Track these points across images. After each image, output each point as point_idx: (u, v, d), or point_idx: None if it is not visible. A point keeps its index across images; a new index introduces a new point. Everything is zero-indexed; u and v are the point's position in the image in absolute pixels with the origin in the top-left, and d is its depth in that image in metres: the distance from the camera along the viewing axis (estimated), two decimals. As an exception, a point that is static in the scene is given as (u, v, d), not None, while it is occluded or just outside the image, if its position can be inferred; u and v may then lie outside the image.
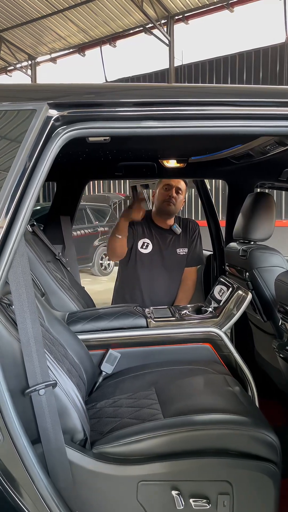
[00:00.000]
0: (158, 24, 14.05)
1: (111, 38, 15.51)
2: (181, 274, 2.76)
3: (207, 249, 3.17)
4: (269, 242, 2.23)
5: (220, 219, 3.18)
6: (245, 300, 1.97)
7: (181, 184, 2.67)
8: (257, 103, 1.23)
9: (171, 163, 2.41)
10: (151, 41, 14.78)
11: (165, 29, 14.34)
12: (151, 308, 2.20)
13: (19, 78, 17.97)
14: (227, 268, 2.55)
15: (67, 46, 16.49)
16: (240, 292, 2.01)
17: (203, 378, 1.68)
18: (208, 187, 3.20)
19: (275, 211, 2.22)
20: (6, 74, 18.52)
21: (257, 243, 2.22)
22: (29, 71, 17.91)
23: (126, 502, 1.25)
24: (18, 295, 1.13)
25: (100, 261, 9.45)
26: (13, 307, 1.16)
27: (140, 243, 2.68)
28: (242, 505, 1.26)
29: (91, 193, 14.52)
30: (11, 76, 18.60)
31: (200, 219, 8.92)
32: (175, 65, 14.59)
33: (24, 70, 17.89)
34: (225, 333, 1.96)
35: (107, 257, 9.48)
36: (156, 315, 2.08)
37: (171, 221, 2.73)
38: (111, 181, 14.62)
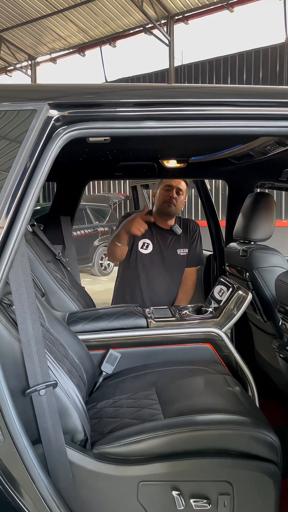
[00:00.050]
0: (158, 24, 14.04)
1: (111, 38, 15.51)
2: (181, 275, 2.76)
3: (207, 249, 3.18)
4: (269, 242, 2.24)
5: (220, 219, 3.18)
6: (246, 300, 1.97)
7: (182, 184, 2.67)
8: (257, 104, 1.23)
9: (171, 163, 2.41)
10: (151, 41, 14.78)
11: (165, 29, 14.34)
12: (152, 308, 2.20)
13: (19, 78, 17.97)
14: (227, 268, 2.55)
15: (67, 46, 16.49)
16: (240, 292, 2.02)
17: (203, 378, 1.68)
18: (208, 187, 3.20)
19: (275, 211, 2.22)
20: (6, 74, 18.51)
21: (257, 243, 2.22)
22: (29, 71, 17.90)
23: (126, 503, 1.25)
24: (18, 295, 1.13)
25: (100, 261, 9.45)
26: (14, 307, 1.16)
27: (140, 243, 2.68)
28: (242, 505, 1.26)
29: (91, 193, 14.52)
30: (11, 76, 18.60)
31: (200, 219, 8.92)
32: (175, 65, 14.59)
33: (24, 70, 17.89)
34: (225, 333, 1.96)
35: (107, 257, 9.50)
36: (156, 315, 2.08)
37: (171, 222, 2.73)
38: (111, 181, 14.62)
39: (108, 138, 1.25)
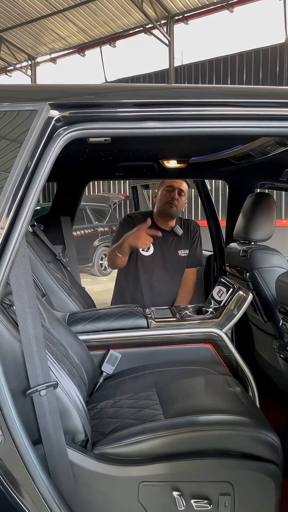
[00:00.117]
0: (158, 24, 14.04)
1: (111, 38, 15.51)
2: (182, 275, 2.76)
3: (207, 250, 3.18)
4: (269, 242, 2.23)
5: (220, 219, 3.18)
6: (246, 301, 1.98)
7: (184, 185, 2.67)
8: (257, 104, 1.23)
9: (172, 164, 2.41)
10: (151, 41, 14.77)
11: (165, 29, 14.34)
12: (152, 308, 2.20)
13: (19, 78, 17.96)
14: (228, 268, 2.55)
15: (67, 46, 16.49)
16: (240, 292, 2.02)
17: (203, 378, 1.68)
18: (208, 187, 3.20)
19: (275, 211, 2.22)
20: (6, 74, 18.51)
21: (257, 243, 2.22)
22: (29, 71, 17.90)
23: (127, 503, 1.25)
24: (19, 296, 1.13)
25: (100, 261, 9.45)
26: (14, 307, 1.16)
27: None
28: (243, 505, 1.26)
29: (91, 193, 14.52)
30: (11, 76, 18.60)
31: (200, 219, 8.91)
32: (175, 65, 14.58)
33: (24, 70, 17.88)
34: (225, 333, 1.96)
35: (107, 257, 9.49)
36: (156, 316, 2.08)
37: (172, 223, 2.73)
38: (111, 181, 14.63)
39: (108, 138, 1.25)
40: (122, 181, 13.81)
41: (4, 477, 1.13)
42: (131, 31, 15.08)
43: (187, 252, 2.75)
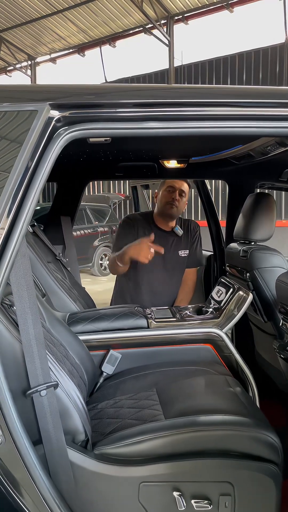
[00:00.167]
0: (158, 24, 14.04)
1: (111, 38, 15.51)
2: (182, 275, 2.76)
3: (207, 250, 3.18)
4: (269, 242, 2.23)
5: (220, 219, 3.18)
6: (246, 301, 1.97)
7: (185, 186, 2.66)
8: (258, 104, 1.23)
9: (172, 164, 2.41)
10: (150, 42, 14.77)
11: (165, 29, 14.33)
12: (152, 308, 2.20)
13: (18, 78, 17.96)
14: (228, 268, 2.55)
15: (67, 46, 16.49)
16: (241, 292, 2.02)
17: (204, 378, 1.68)
18: (208, 187, 3.20)
19: (275, 211, 2.22)
20: (5, 74, 18.51)
21: (257, 243, 2.22)
22: (28, 71, 17.90)
23: (127, 503, 1.25)
24: (19, 296, 1.13)
25: (100, 261, 9.45)
26: (15, 308, 1.16)
27: None
28: (243, 506, 1.26)
29: (91, 193, 14.52)
30: (10, 76, 18.60)
31: (200, 219, 8.89)
32: (174, 65, 14.58)
33: (23, 70, 17.89)
34: (226, 333, 1.96)
35: (107, 257, 9.50)
36: (157, 316, 2.08)
37: (173, 223, 2.73)
38: (111, 181, 14.63)
39: (108, 138, 1.25)
40: (122, 181, 13.80)
41: (4, 477, 1.13)
42: (131, 31, 15.08)
43: (187, 252, 2.75)
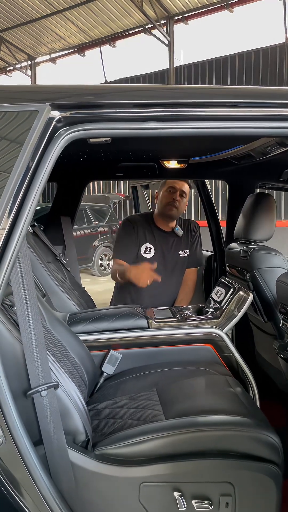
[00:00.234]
0: (158, 24, 14.04)
1: (111, 39, 15.51)
2: (182, 276, 2.76)
3: (207, 250, 3.18)
4: (269, 243, 2.23)
5: (220, 219, 3.18)
6: (246, 301, 1.97)
7: (185, 187, 2.66)
8: (258, 105, 1.23)
9: (172, 164, 2.41)
10: (150, 42, 14.77)
11: (165, 29, 14.34)
12: (153, 308, 2.20)
13: (18, 78, 17.96)
14: (228, 268, 2.55)
15: (67, 47, 16.49)
16: (241, 293, 2.02)
17: (204, 379, 1.69)
18: (208, 187, 3.20)
19: (275, 212, 2.22)
20: (5, 74, 18.52)
21: (258, 243, 2.22)
22: (28, 72, 17.90)
23: (128, 504, 1.25)
24: (20, 296, 1.13)
25: (100, 262, 9.45)
26: (15, 308, 1.16)
27: (143, 248, 2.67)
28: (244, 506, 1.26)
29: (91, 193, 14.52)
30: (10, 76, 18.60)
31: (200, 219, 8.88)
32: (174, 66, 14.59)
33: (23, 70, 17.89)
34: (226, 334, 1.96)
35: (107, 257, 9.50)
36: (157, 316, 2.08)
37: (173, 224, 2.73)
38: (111, 181, 14.63)
39: (109, 139, 1.25)
40: (122, 181, 13.80)
41: (4, 477, 1.13)
42: (131, 31, 15.09)
43: (188, 253, 2.75)
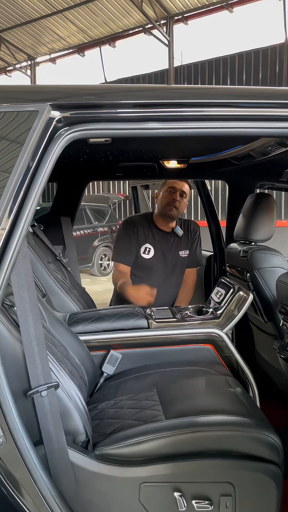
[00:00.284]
0: (158, 24, 14.04)
1: (111, 39, 15.51)
2: (182, 276, 2.76)
3: (207, 250, 3.18)
4: (269, 243, 2.24)
5: (220, 219, 3.18)
6: (247, 301, 1.97)
7: (186, 187, 2.66)
8: (258, 105, 1.23)
9: (172, 164, 2.41)
10: (150, 42, 14.77)
11: (165, 29, 14.34)
12: (153, 309, 2.20)
13: (18, 78, 17.96)
14: (228, 268, 2.55)
15: (67, 47, 16.49)
16: (241, 293, 2.02)
17: (204, 379, 1.68)
18: (208, 187, 3.20)
19: (276, 212, 2.22)
20: (5, 74, 18.52)
21: (258, 243, 2.22)
22: (28, 72, 17.90)
23: (128, 504, 1.24)
24: (20, 296, 1.13)
25: (100, 262, 9.45)
26: (15, 308, 1.16)
27: (142, 249, 2.67)
28: (244, 506, 1.26)
29: (91, 193, 14.52)
30: (10, 76, 18.60)
31: (200, 219, 8.88)
32: (174, 66, 14.59)
33: (23, 70, 17.89)
34: (226, 334, 1.96)
35: (107, 257, 9.50)
36: (157, 316, 2.08)
37: (173, 224, 2.73)
38: (111, 181, 14.63)
39: (109, 139, 1.25)
40: (122, 181, 13.81)
41: (5, 477, 1.13)
42: (130, 31, 15.09)
43: (188, 253, 2.75)
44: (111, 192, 15.07)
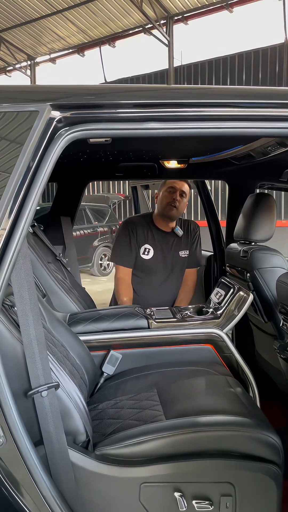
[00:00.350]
0: (158, 24, 14.04)
1: (111, 39, 15.50)
2: (182, 276, 2.76)
3: (207, 250, 3.18)
4: (269, 243, 2.24)
5: (220, 219, 3.18)
6: (247, 301, 1.98)
7: (185, 187, 2.66)
8: (258, 105, 1.23)
9: (172, 164, 2.41)
10: (150, 42, 14.77)
11: (165, 29, 14.33)
12: (153, 309, 2.20)
13: (18, 78, 17.96)
14: (228, 269, 2.55)
15: (67, 47, 16.49)
16: (241, 293, 2.02)
17: (204, 379, 1.69)
18: (208, 187, 3.20)
19: (276, 212, 2.22)
20: (5, 74, 18.51)
21: (258, 243, 2.22)
22: (28, 72, 17.90)
23: (128, 504, 1.24)
24: (20, 297, 1.13)
25: (100, 262, 9.45)
26: (16, 308, 1.16)
27: (142, 250, 2.67)
28: (244, 506, 1.26)
29: (91, 193, 14.52)
30: (10, 76, 18.60)
31: (200, 219, 8.88)
32: (174, 66, 14.58)
33: (23, 70, 17.88)
34: (226, 334, 1.96)
35: (106, 257, 9.50)
36: (157, 316, 2.08)
37: (173, 224, 2.73)
38: (111, 181, 14.62)
39: (109, 139, 1.25)
40: (122, 181, 13.81)
41: (5, 477, 1.13)
42: (130, 31, 15.09)
43: (187, 253, 2.75)
44: (111, 192, 15.06)
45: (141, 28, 14.64)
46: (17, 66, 17.65)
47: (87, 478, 1.22)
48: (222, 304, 2.07)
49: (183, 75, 14.40)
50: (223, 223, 3.10)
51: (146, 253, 2.66)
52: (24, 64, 17.78)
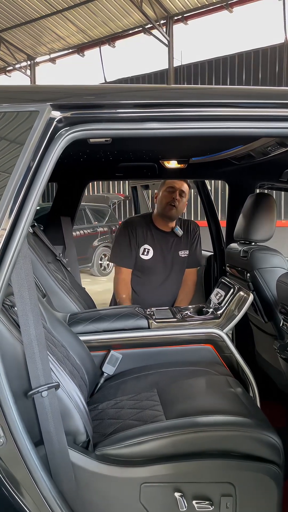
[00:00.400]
0: (157, 24, 14.04)
1: (110, 39, 15.50)
2: (182, 276, 2.76)
3: (207, 250, 3.18)
4: (269, 243, 2.23)
5: (220, 219, 3.18)
6: (247, 301, 1.98)
7: (185, 186, 2.66)
8: (258, 105, 1.23)
9: (172, 164, 2.41)
10: (150, 42, 14.76)
11: (164, 29, 14.33)
12: (153, 309, 2.20)
13: (18, 78, 17.96)
14: (228, 269, 2.55)
15: (66, 47, 16.49)
16: (241, 293, 2.02)
17: (205, 379, 1.69)
18: (208, 187, 3.20)
19: (276, 212, 2.21)
20: (5, 74, 18.51)
21: (258, 244, 2.22)
22: (28, 72, 17.90)
23: (129, 504, 1.24)
24: (21, 297, 1.13)
25: (100, 262, 9.45)
26: (16, 308, 1.16)
27: (141, 250, 2.67)
28: (245, 506, 1.26)
29: (91, 193, 14.52)
30: (10, 76, 18.60)
31: (200, 219, 8.88)
32: (174, 66, 14.58)
33: (23, 70, 17.88)
34: (226, 334, 1.96)
35: (106, 257, 9.50)
36: (157, 316, 2.08)
37: (172, 224, 2.72)
38: (111, 181, 14.62)
39: (109, 139, 1.25)
40: (122, 181, 13.81)
41: (5, 478, 1.13)
42: (130, 31, 15.08)
43: (187, 253, 2.75)
44: (111, 192, 15.06)
45: (141, 28, 14.64)
46: (17, 66, 17.65)
47: (88, 478, 1.22)
48: (222, 304, 2.07)
49: (183, 75, 14.40)
50: (223, 223, 3.10)
51: (145, 253, 2.66)
52: (24, 64, 17.78)
